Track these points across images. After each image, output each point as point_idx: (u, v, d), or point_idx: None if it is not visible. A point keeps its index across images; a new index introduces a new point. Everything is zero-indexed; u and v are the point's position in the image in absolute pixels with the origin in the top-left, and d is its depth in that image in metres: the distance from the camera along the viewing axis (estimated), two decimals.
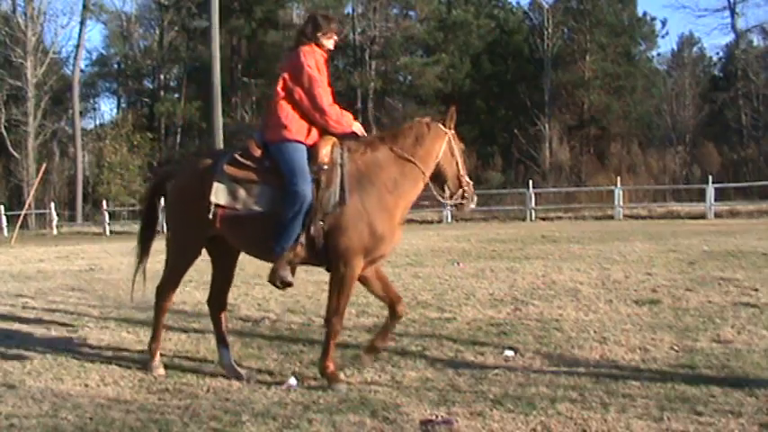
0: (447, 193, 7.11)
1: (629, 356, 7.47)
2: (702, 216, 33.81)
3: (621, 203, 36.54)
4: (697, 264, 14.34)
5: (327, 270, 6.86)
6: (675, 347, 7.80)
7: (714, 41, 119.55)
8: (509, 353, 7.71)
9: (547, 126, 52.02)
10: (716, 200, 35.24)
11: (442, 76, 55.31)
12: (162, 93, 62.82)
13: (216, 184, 6.67)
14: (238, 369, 7.11)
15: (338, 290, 6.73)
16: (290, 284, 6.82)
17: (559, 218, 36.37)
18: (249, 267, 11.44)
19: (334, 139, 6.85)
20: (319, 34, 6.95)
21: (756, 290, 11.00)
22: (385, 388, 6.59)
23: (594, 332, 8.52)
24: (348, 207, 6.58)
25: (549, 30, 53.52)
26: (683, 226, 27.54)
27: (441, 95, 54.60)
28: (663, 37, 65.92)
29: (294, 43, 7.09)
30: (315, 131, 6.82)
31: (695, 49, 62.62)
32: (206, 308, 7.56)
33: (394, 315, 7.12)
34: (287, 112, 6.76)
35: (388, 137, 7.05)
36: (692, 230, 24.02)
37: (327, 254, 6.69)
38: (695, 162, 48.86)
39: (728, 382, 6.44)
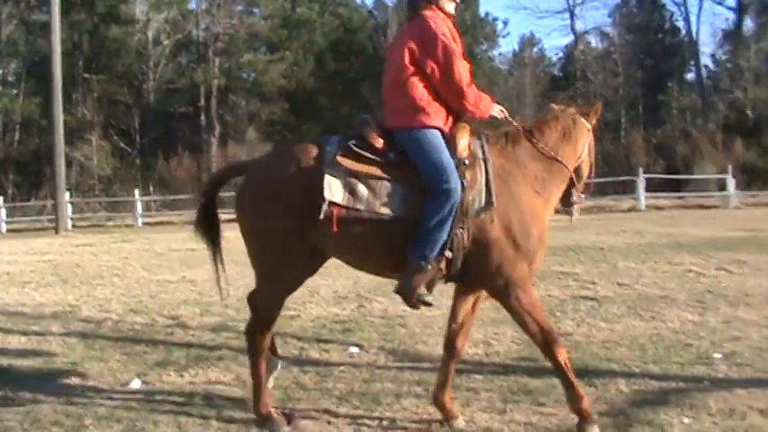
0: (575, 195, 6.16)
1: (472, 351, 7.62)
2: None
3: None
4: None
5: (492, 295, 5.81)
6: (517, 341, 7.99)
7: (554, 42, 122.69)
8: (354, 350, 7.76)
9: None
10: None
11: (286, 73, 55.07)
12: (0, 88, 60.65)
13: (328, 178, 5.26)
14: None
15: (523, 315, 5.71)
16: (429, 305, 5.57)
17: None
18: (89, 268, 11.16)
19: (469, 127, 5.60)
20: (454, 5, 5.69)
21: (594, 283, 11.39)
22: (230, 387, 6.55)
23: (438, 328, 8.62)
24: (497, 210, 5.34)
25: (393, 27, 53.91)
26: None
27: (284, 93, 54.43)
28: (504, 37, 67.21)
29: (410, 6, 5.75)
30: (448, 116, 5.55)
31: (536, 49, 64.16)
32: (47, 309, 7.26)
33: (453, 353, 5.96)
34: (420, 92, 5.43)
35: (533, 128, 5.81)
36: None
37: (468, 270, 5.47)
38: None
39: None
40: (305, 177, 5.29)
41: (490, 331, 8.41)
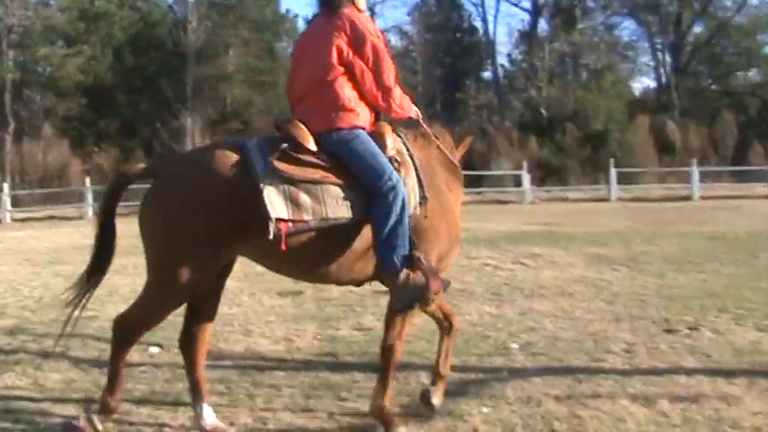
0: None
1: (273, 348, 7.59)
2: None
3: None
4: None
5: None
6: (318, 337, 8.02)
7: None
8: (154, 349, 7.59)
9: (189, 120, 51.67)
10: None
11: (84, 68, 53.29)
12: None
13: (268, 189, 4.81)
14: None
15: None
16: (448, 283, 5.33)
17: None
18: None
19: (388, 125, 5.44)
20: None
21: None
22: (28, 392, 6.27)
23: (239, 325, 8.58)
24: (429, 206, 5.25)
25: (194, 23, 53.16)
26: None
27: (81, 88, 52.75)
28: None
29: (327, 4, 5.44)
30: (371, 116, 5.42)
31: None
32: None
33: (450, 330, 5.87)
34: (350, 93, 5.25)
35: (435, 133, 5.86)
36: None
37: None
38: None
39: (370, 368, 6.68)
40: (233, 190, 4.82)
41: (291, 327, 8.40)
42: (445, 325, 5.84)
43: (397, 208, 4.96)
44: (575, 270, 12.37)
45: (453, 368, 6.65)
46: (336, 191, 4.97)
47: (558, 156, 43.68)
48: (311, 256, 5.03)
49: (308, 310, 9.36)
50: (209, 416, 5.26)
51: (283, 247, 4.81)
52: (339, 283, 5.48)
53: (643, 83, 73.87)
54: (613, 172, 35.96)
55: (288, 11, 61.22)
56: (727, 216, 24.28)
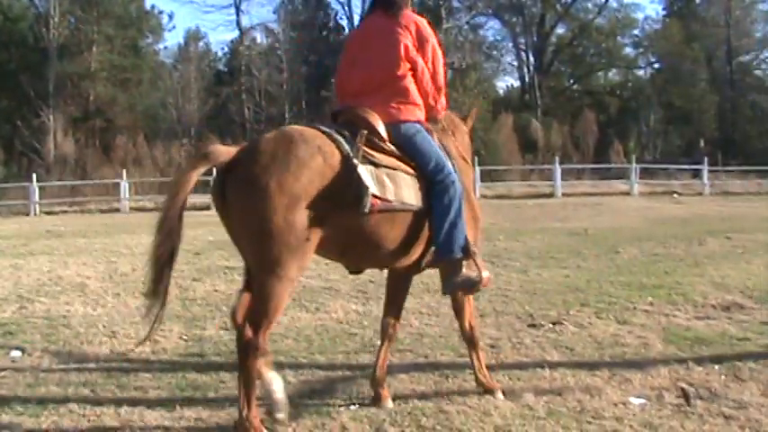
0: None
1: (139, 349, 7.49)
2: (208, 207, 34.34)
3: (128, 196, 36.37)
4: (203, 254, 14.72)
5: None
6: (184, 337, 7.97)
7: (220, 37, 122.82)
8: (16, 353, 7.42)
9: (51, 118, 50.32)
10: None
11: None
12: None
13: (362, 168, 5.01)
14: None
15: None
16: (480, 283, 5.50)
17: (65, 212, 35.36)
18: None
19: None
20: None
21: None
22: None
23: (104, 326, 8.46)
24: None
25: (56, 19, 51.81)
26: (190, 217, 27.68)
27: None
28: (170, 31, 66.35)
29: (383, 5, 5.67)
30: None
31: (201, 43, 63.71)
32: None
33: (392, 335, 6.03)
34: (414, 88, 5.57)
35: (449, 124, 6.14)
36: (198, 221, 24.39)
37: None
38: None
39: (236, 368, 6.67)
40: (331, 168, 4.94)
41: (156, 328, 8.31)
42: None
43: (456, 200, 5.34)
44: None
45: (320, 366, 6.74)
46: (408, 179, 5.28)
47: None
48: (384, 236, 5.20)
49: (174, 311, 9.27)
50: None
51: (372, 222, 5.05)
52: (389, 266, 5.75)
53: (507, 82, 75.09)
54: (477, 170, 36.47)
55: (153, 7, 60.04)
56: (588, 212, 25.02)
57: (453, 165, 5.57)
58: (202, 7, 74.48)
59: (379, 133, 5.28)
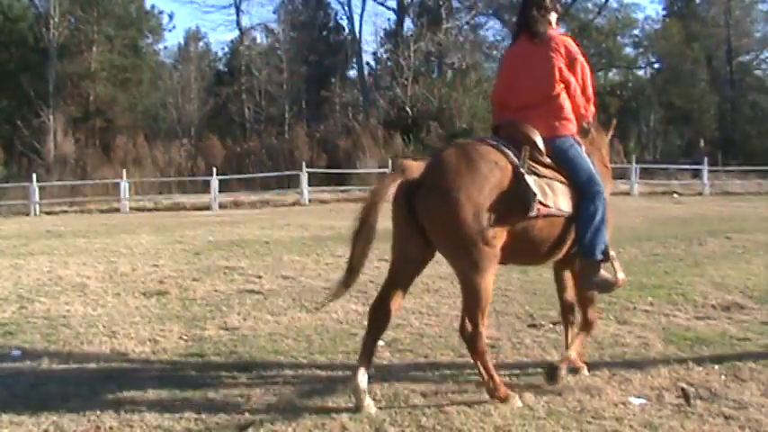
0: None
1: (139, 349, 7.51)
2: (207, 207, 34.53)
3: (128, 196, 36.32)
4: (203, 254, 14.71)
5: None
6: (184, 337, 7.96)
7: (220, 37, 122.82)
8: (16, 353, 7.42)
9: (51, 118, 50.26)
10: (220, 191, 36.08)
11: None
12: None
13: (529, 178, 5.67)
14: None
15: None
16: (615, 284, 6.11)
17: (65, 212, 35.30)
18: None
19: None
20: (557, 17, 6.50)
21: (260, 277, 11.55)
22: None
23: (104, 326, 8.45)
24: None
25: (56, 19, 51.74)
26: (189, 217, 27.95)
27: None
28: (170, 31, 66.30)
29: (535, 31, 6.25)
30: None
31: (201, 43, 63.75)
32: None
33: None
34: (568, 105, 6.14)
35: (595, 134, 6.87)
36: (198, 222, 24.54)
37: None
38: (200, 154, 49.72)
39: (236, 368, 6.72)
40: (506, 179, 5.61)
41: (157, 328, 8.32)
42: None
43: (602, 208, 5.91)
44: (440, 267, 12.35)
45: (320, 366, 6.75)
46: (563, 188, 5.88)
47: (422, 154, 44.00)
48: (541, 237, 5.84)
49: (174, 310, 9.28)
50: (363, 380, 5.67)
51: (540, 223, 5.74)
52: (539, 263, 6.48)
53: None
54: None
55: (153, 7, 59.97)
56: None
57: (597, 174, 6.10)
58: (202, 7, 74.87)
59: (538, 147, 5.88)
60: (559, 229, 5.90)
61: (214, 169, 36.49)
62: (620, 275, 6.06)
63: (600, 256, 5.95)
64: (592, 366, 6.59)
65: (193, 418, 5.49)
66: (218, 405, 5.76)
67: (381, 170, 37.90)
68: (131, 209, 35.09)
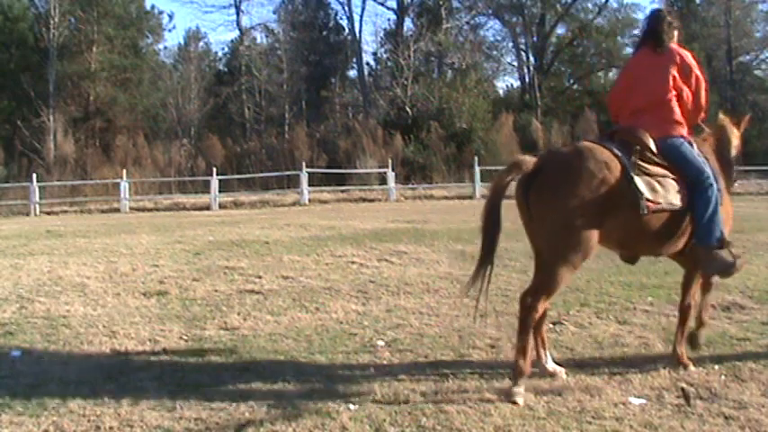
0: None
1: (139, 349, 7.51)
2: (207, 207, 34.56)
3: (128, 196, 36.35)
4: (203, 254, 14.69)
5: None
6: (184, 337, 7.97)
7: (220, 37, 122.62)
8: (16, 353, 7.42)
9: (51, 118, 50.22)
10: (220, 191, 36.13)
11: None
12: None
13: (636, 178, 6.19)
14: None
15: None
16: (734, 267, 6.55)
17: (65, 212, 35.33)
18: None
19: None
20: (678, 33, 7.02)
21: (260, 277, 11.53)
22: None
23: (104, 326, 8.45)
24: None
25: (56, 19, 51.69)
26: (189, 217, 27.95)
27: None
28: (170, 31, 66.25)
29: (660, 42, 6.83)
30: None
31: (201, 43, 63.65)
32: None
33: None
34: (679, 110, 6.71)
35: (715, 132, 7.34)
36: (198, 221, 24.53)
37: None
38: (200, 154, 49.73)
39: (237, 368, 6.71)
40: (614, 178, 6.09)
41: (157, 328, 8.33)
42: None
43: (714, 198, 6.41)
44: (440, 267, 12.56)
45: (319, 366, 6.75)
46: (673, 184, 6.36)
47: (422, 154, 44.03)
48: (656, 230, 6.32)
49: (174, 310, 9.28)
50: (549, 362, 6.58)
51: (650, 219, 6.22)
52: (659, 254, 6.93)
53: (507, 82, 75.25)
54: (477, 170, 36.52)
55: (153, 7, 59.95)
56: None
57: (712, 169, 6.58)
58: (202, 7, 75.05)
59: (650, 148, 6.40)
60: (673, 222, 6.37)
61: (214, 169, 36.56)
62: (740, 260, 6.56)
63: (715, 243, 6.42)
64: (592, 366, 6.61)
65: (193, 418, 5.49)
66: (218, 405, 5.75)
67: (381, 170, 37.89)
68: (131, 209, 35.15)
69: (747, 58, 64.31)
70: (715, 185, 6.45)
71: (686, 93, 6.75)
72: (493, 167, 38.61)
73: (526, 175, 6.15)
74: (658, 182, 6.30)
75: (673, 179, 6.38)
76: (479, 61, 59.36)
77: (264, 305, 9.52)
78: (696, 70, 6.79)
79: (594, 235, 6.06)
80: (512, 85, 69.57)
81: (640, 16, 69.31)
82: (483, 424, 5.31)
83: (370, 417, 5.48)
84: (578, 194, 5.98)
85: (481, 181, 36.42)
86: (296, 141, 47.81)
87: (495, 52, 65.04)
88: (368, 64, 60.31)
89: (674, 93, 6.70)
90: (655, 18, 7.00)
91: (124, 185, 36.13)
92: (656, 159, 6.41)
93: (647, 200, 6.15)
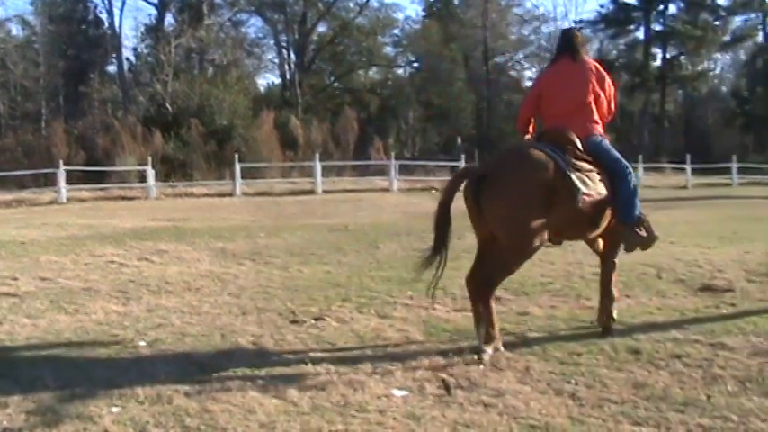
0: None
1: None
2: None
3: None
4: None
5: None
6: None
7: None
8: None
9: None
10: None
11: None
12: None
13: (574, 175, 6.99)
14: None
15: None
16: (652, 239, 7.63)
17: None
18: None
19: None
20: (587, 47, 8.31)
21: (16, 279, 11.09)
22: None
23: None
24: None
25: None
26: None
27: None
28: None
29: (576, 54, 7.76)
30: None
31: None
32: None
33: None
34: (597, 113, 7.68)
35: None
36: None
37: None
38: None
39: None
40: (551, 176, 6.90)
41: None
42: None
43: (632, 183, 7.45)
44: (201, 265, 12.48)
45: (80, 369, 6.58)
46: (598, 176, 7.24)
47: (183, 151, 43.39)
48: (588, 217, 7.22)
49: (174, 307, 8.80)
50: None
51: (585, 209, 7.07)
52: (585, 237, 7.84)
53: (268, 79, 75.33)
54: (238, 167, 36.32)
55: None
56: (349, 209, 25.44)
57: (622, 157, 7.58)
58: None
59: (578, 147, 7.28)
60: (600, 209, 7.24)
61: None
62: (656, 234, 7.66)
63: (634, 220, 7.42)
64: (354, 360, 6.73)
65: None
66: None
67: (141, 168, 37.13)
68: None
69: (503, 58, 67.16)
70: (631, 172, 7.49)
71: (602, 97, 7.73)
72: (253, 165, 38.71)
73: (474, 180, 7.08)
74: (587, 176, 7.13)
75: (597, 172, 7.25)
76: (241, 58, 59.25)
77: (21, 308, 9.17)
78: (608, 79, 7.83)
79: (543, 225, 6.88)
80: (273, 82, 69.92)
81: (401, 16, 71.36)
82: (247, 421, 5.32)
83: (133, 419, 5.38)
84: (523, 194, 6.86)
85: (242, 178, 36.28)
86: (53, 138, 46.07)
87: (256, 49, 65.23)
88: (128, 59, 59.04)
89: (592, 97, 7.66)
90: (570, 35, 8.02)
91: None
92: (584, 156, 7.27)
93: (583, 193, 7.00)
